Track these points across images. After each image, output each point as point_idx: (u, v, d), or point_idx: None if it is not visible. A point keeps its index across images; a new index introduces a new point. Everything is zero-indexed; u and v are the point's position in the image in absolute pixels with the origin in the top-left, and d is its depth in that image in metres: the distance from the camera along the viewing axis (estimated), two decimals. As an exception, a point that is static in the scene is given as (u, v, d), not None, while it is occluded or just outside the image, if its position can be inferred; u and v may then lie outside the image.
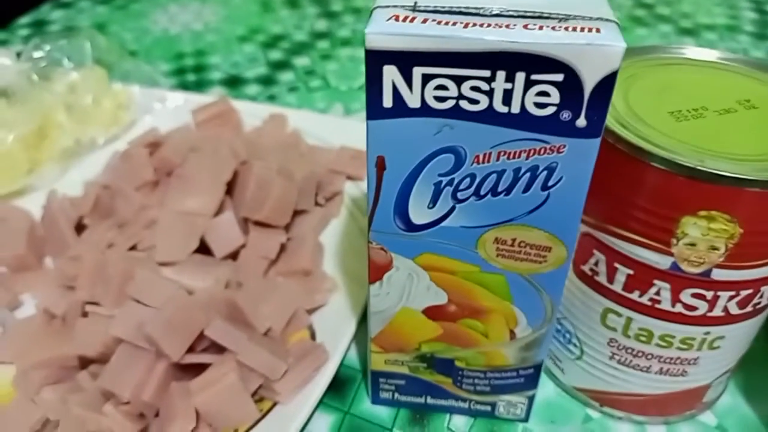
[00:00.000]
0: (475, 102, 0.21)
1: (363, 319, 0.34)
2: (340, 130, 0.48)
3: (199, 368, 0.30)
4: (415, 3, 0.21)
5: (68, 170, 0.47)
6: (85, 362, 0.31)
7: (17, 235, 0.38)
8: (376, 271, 0.26)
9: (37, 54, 0.48)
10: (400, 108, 0.21)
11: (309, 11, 0.70)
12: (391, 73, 0.20)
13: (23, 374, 0.31)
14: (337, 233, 0.40)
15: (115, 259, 0.32)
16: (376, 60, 0.20)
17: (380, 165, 0.23)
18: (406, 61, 0.20)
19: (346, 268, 0.38)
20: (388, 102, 0.21)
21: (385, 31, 0.20)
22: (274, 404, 0.30)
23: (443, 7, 0.21)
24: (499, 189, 0.23)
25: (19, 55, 0.48)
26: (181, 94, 0.52)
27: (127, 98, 0.50)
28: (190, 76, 0.59)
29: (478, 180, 0.23)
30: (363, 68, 0.62)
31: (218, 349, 0.30)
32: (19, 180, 0.44)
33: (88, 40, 0.49)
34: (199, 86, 0.57)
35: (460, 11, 0.20)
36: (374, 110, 0.21)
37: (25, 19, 0.68)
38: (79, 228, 0.39)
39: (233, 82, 0.58)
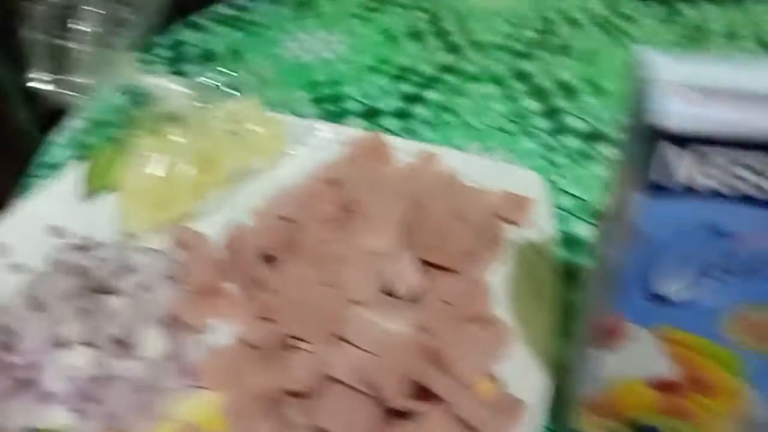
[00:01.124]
0: (761, 189, 0.21)
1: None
2: (491, 172, 0.48)
3: (401, 415, 0.31)
4: (692, 80, 0.22)
5: (231, 197, 0.49)
6: (290, 396, 0.33)
7: (204, 261, 0.40)
8: (609, 338, 0.27)
9: (201, 80, 0.50)
10: (678, 189, 0.22)
11: (432, 44, 0.72)
12: (677, 154, 0.21)
13: (235, 404, 0.32)
14: (502, 279, 0.41)
15: (320, 296, 0.33)
16: (667, 140, 0.21)
17: (638, 237, 0.23)
18: (700, 144, 0.21)
19: (519, 316, 0.38)
20: (668, 181, 0.21)
21: (682, 113, 0.20)
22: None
23: (728, 87, 0.21)
24: (763, 271, 0.23)
25: (188, 81, 0.50)
26: (329, 125, 0.53)
27: (280, 127, 0.53)
28: (328, 105, 0.60)
29: (742, 260, 0.23)
30: (496, 106, 0.65)
31: (422, 396, 0.31)
32: (188, 204, 0.47)
33: (246, 68, 0.52)
34: (338, 116, 0.59)
35: (751, 95, 0.21)
36: (650, 188, 0.22)
37: (163, 41, 0.71)
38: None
39: (370, 114, 0.60)
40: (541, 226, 0.43)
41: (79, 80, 0.46)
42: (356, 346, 0.32)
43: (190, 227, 0.44)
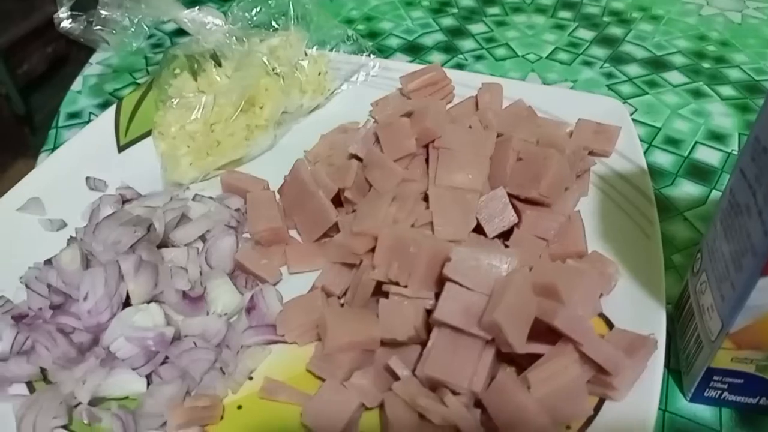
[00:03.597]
0: None
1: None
2: (567, 102, 0.44)
3: (518, 358, 0.28)
4: None
5: (279, 138, 0.45)
6: (387, 345, 0.29)
7: (269, 207, 0.36)
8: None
9: (244, 14, 0.45)
10: None
11: (467, -25, 0.67)
12: None
13: (325, 358, 0.29)
14: (592, 212, 0.37)
15: (418, 238, 0.29)
16: None
17: None
18: None
19: (622, 251, 0.35)
20: None
21: None
22: (602, 400, 0.28)
23: None
24: None
25: (226, 14, 0.45)
26: (379, 60, 0.49)
27: (326, 64, 0.48)
28: (366, 41, 0.56)
29: None
30: (546, 36, 0.59)
31: (548, 338, 0.28)
32: (236, 148, 0.42)
33: (293, 1, 0.47)
34: (379, 53, 0.54)
35: None
36: None
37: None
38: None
39: (413, 49, 0.55)
40: (630, 156, 0.39)
41: (113, 16, 0.41)
42: (465, 287, 0.28)
43: (242, 172, 0.40)
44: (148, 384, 0.29)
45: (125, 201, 0.38)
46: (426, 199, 0.35)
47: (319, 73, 0.47)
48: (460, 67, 0.53)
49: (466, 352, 0.27)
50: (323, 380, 0.29)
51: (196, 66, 0.45)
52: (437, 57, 0.54)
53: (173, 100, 0.43)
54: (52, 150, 0.45)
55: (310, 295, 0.32)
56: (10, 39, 1.75)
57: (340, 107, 0.47)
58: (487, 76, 0.47)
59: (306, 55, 0.47)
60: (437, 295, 0.29)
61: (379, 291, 0.31)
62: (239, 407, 0.29)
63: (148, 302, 0.30)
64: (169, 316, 0.30)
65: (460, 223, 0.33)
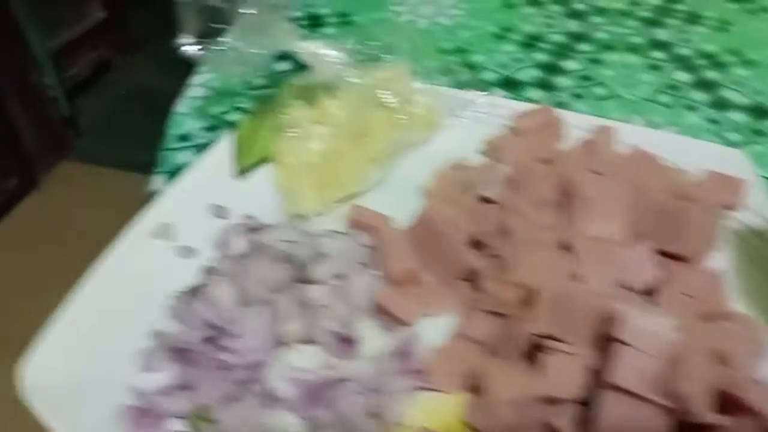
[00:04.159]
0: None
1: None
2: (687, 150, 0.44)
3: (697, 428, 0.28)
4: None
5: (391, 173, 0.45)
6: (548, 403, 0.29)
7: (404, 247, 0.36)
8: None
9: (358, 47, 0.46)
10: None
11: (552, 9, 0.67)
12: None
13: (488, 411, 0.29)
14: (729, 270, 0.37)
15: (582, 293, 0.29)
16: None
17: None
18: None
19: (760, 307, 0.34)
20: None
21: None
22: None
23: None
24: None
25: (341, 46, 0.46)
26: (488, 96, 0.49)
27: (435, 98, 0.48)
28: (460, 75, 0.56)
29: None
30: (642, 76, 0.59)
31: (727, 408, 0.27)
32: (354, 181, 0.43)
33: (401, 34, 0.47)
34: (474, 86, 0.54)
35: None
36: None
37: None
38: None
39: (510, 85, 0.55)
40: (756, 208, 0.39)
41: (233, 44, 0.41)
42: (637, 349, 0.28)
43: (367, 207, 0.40)
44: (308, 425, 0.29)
45: (251, 230, 0.39)
46: (564, 248, 0.35)
47: (429, 108, 0.47)
48: (560, 105, 0.52)
49: (641, 418, 0.27)
50: (480, 432, 0.30)
51: (311, 96, 0.45)
52: (535, 93, 0.54)
53: (292, 130, 0.43)
54: (167, 172, 0.45)
55: (459, 343, 0.32)
56: (59, 43, 1.79)
57: (447, 143, 0.47)
58: (598, 119, 0.47)
59: (415, 88, 0.48)
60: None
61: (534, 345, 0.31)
62: (395, 456, 0.29)
63: (304, 342, 0.31)
64: (327, 358, 0.30)
65: (608, 276, 0.33)
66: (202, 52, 0.42)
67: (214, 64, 0.42)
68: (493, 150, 0.44)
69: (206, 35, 0.42)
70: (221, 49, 0.42)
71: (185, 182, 0.40)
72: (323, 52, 0.44)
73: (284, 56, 0.46)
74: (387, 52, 0.47)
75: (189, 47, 0.42)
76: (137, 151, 1.99)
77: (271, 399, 0.29)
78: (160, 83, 2.30)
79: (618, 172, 0.38)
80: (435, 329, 0.34)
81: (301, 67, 0.46)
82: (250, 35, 0.41)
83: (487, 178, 0.38)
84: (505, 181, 0.37)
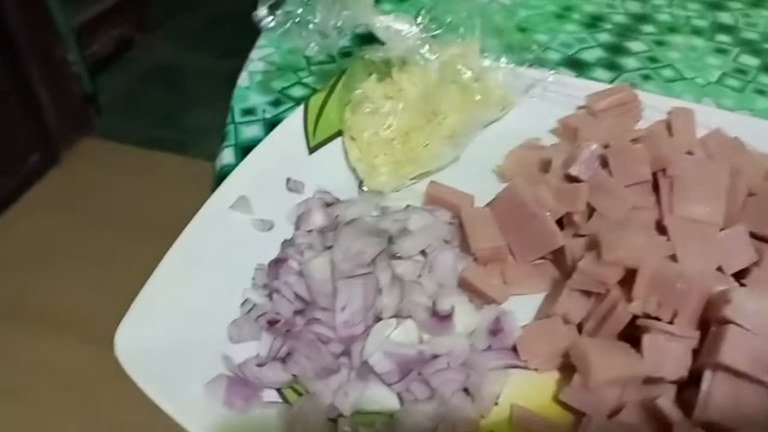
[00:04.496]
0: None
1: None
2: (755, 131, 0.43)
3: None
4: None
5: (465, 150, 0.44)
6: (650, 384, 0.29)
7: (489, 225, 0.35)
8: None
9: (433, 22, 0.45)
10: None
11: (612, -11, 0.65)
12: None
13: (588, 392, 0.28)
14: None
15: (686, 273, 0.29)
16: None
17: None
18: None
19: None
20: None
21: None
22: None
23: None
24: None
25: (416, 21, 0.45)
26: (561, 76, 0.48)
27: (505, 76, 0.47)
28: (523, 54, 0.55)
29: None
30: (709, 60, 0.57)
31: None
32: (435, 159, 0.42)
33: (474, 9, 0.46)
34: (540, 64, 0.53)
35: None
36: None
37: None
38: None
39: (575, 65, 0.54)
40: None
41: (311, 18, 0.40)
42: (748, 330, 0.27)
43: (446, 185, 0.39)
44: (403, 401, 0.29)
45: (328, 205, 0.38)
46: (658, 228, 0.34)
47: (502, 86, 0.46)
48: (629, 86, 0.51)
49: (751, 399, 0.26)
50: (576, 413, 0.29)
51: (384, 72, 0.44)
52: (602, 74, 0.53)
53: (367, 105, 0.42)
54: (235, 146, 0.45)
55: (552, 322, 0.31)
56: (81, 20, 1.78)
57: (518, 122, 0.46)
58: (674, 99, 0.46)
59: (487, 65, 0.47)
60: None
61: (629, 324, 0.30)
62: (491, 433, 0.29)
63: (397, 316, 0.30)
64: (422, 333, 0.30)
65: (705, 257, 0.32)
66: (278, 25, 0.41)
67: (290, 38, 0.41)
68: (568, 130, 0.43)
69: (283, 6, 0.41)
70: (298, 22, 0.41)
71: (259, 156, 0.40)
72: (397, 27, 0.43)
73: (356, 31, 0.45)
74: (459, 28, 0.46)
75: (266, 19, 0.41)
76: (158, 128, 2.00)
77: (366, 372, 0.29)
78: (180, 60, 2.31)
79: (711, 155, 0.37)
80: (523, 307, 0.33)
81: (368, 41, 0.45)
82: (329, 8, 0.40)
83: (574, 157, 0.37)
84: (594, 160, 0.36)
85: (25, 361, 1.23)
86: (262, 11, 0.41)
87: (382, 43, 0.44)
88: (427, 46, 0.44)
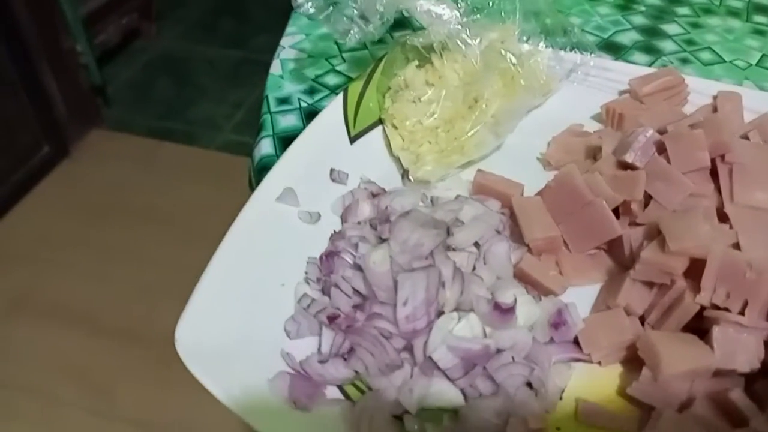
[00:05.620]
0: None
1: None
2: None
3: None
4: None
5: (504, 139, 0.43)
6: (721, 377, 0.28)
7: (542, 214, 0.35)
8: None
9: (474, 6, 0.44)
10: None
11: (643, -29, 0.64)
12: None
13: (658, 385, 0.28)
14: None
15: (757, 263, 0.28)
16: None
17: None
18: None
19: None
20: None
21: None
22: None
23: None
24: None
25: (457, 4, 0.43)
26: (598, 59, 0.47)
27: (546, 60, 0.46)
28: (557, 38, 0.53)
29: None
30: (748, 42, 0.55)
31: None
32: (481, 147, 0.41)
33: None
34: (579, 47, 0.52)
35: None
36: None
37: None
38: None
39: (612, 48, 0.53)
40: None
41: (352, 3, 0.39)
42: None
43: (494, 174, 0.38)
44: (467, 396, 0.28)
45: (374, 195, 0.37)
46: (719, 216, 0.33)
47: (544, 70, 0.45)
48: (666, 70, 0.50)
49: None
50: (643, 407, 0.28)
51: (422, 57, 0.43)
52: (639, 57, 0.52)
53: (408, 92, 0.42)
54: (272, 136, 0.44)
55: (614, 314, 0.31)
56: (88, 9, 1.76)
57: (560, 107, 0.45)
58: (719, 83, 0.45)
59: (527, 50, 0.45)
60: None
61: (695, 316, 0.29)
62: (557, 429, 0.28)
63: (458, 310, 0.29)
64: (485, 327, 0.29)
65: (764, 246, 0.31)
66: (321, 12, 0.40)
67: (330, 25, 0.40)
68: (613, 116, 0.42)
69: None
70: (338, 8, 0.40)
71: (301, 147, 0.39)
72: (438, 11, 0.42)
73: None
74: (500, 11, 0.45)
75: (306, 5, 0.40)
76: (165, 118, 1.99)
77: (430, 368, 0.28)
78: (185, 50, 2.29)
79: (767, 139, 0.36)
80: (579, 298, 0.33)
81: (402, 27, 0.44)
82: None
83: (627, 144, 0.36)
84: (650, 146, 0.35)
85: (35, 355, 1.23)
86: (302, -2, 0.41)
87: (421, 29, 0.44)
88: (467, 31, 0.43)
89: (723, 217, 0.33)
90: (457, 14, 0.42)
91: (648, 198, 0.34)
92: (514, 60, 0.43)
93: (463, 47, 0.43)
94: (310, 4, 0.40)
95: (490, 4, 0.43)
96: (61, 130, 1.67)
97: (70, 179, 1.65)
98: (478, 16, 0.44)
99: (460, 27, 0.42)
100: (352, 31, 0.40)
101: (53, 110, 1.63)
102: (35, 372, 1.20)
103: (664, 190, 0.34)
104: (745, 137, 0.36)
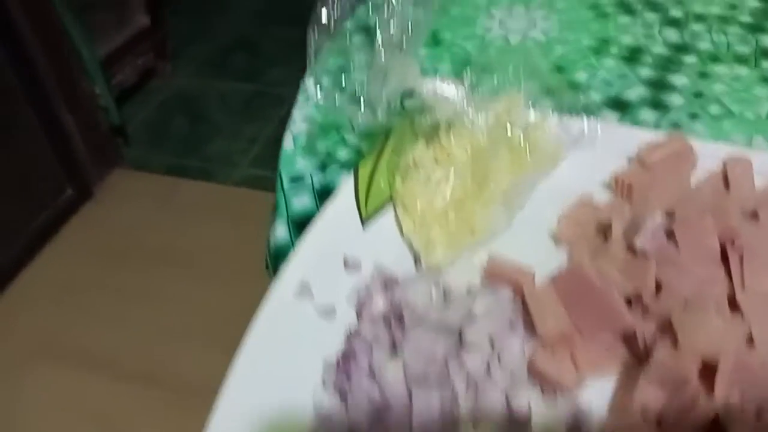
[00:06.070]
0: None
1: None
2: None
3: None
4: None
5: (514, 215, 0.44)
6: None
7: (555, 305, 0.35)
8: None
9: (480, 82, 0.44)
10: None
11: (648, 17, 0.64)
12: None
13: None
14: None
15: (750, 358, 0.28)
16: None
17: None
18: None
19: None
20: None
21: None
22: None
23: None
24: None
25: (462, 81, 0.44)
26: (611, 125, 0.47)
27: (553, 128, 0.46)
28: (578, 100, 0.53)
29: None
30: (757, 91, 0.54)
31: None
32: (482, 229, 0.41)
33: (522, 58, 0.46)
34: (584, 110, 0.52)
35: None
36: None
37: (350, 24, 0.65)
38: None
39: (619, 105, 0.53)
40: None
41: (359, 88, 0.40)
42: None
43: (505, 258, 0.39)
44: None
45: (387, 285, 0.38)
46: (731, 305, 0.33)
47: (551, 139, 0.45)
48: (675, 126, 0.50)
49: None
50: None
51: (433, 137, 0.44)
52: (647, 115, 0.52)
53: (419, 171, 0.42)
54: (287, 219, 0.45)
55: (628, 414, 0.31)
56: (106, 51, 1.81)
57: (569, 176, 0.45)
58: (728, 146, 0.45)
59: (533, 118, 0.46)
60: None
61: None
62: None
63: (473, 420, 0.30)
64: (501, 438, 0.29)
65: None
66: (330, 98, 0.41)
67: (338, 106, 0.41)
68: (622, 187, 0.43)
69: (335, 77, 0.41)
70: (345, 96, 0.41)
71: (315, 236, 0.40)
72: (443, 90, 0.43)
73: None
74: (503, 81, 0.45)
75: (315, 91, 0.41)
76: (183, 156, 2.02)
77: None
78: (199, 86, 2.33)
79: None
80: (595, 394, 0.33)
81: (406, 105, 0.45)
82: (377, 78, 0.40)
83: (637, 226, 0.36)
84: (659, 231, 0.35)
85: (57, 400, 1.26)
86: (309, 84, 0.42)
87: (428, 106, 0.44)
88: (473, 107, 0.44)
89: (735, 305, 0.33)
90: (462, 92, 0.43)
91: (659, 283, 0.35)
92: (519, 132, 0.44)
93: (469, 124, 0.43)
94: (317, 91, 0.41)
95: (495, 79, 0.44)
96: (83, 172, 1.71)
97: (93, 221, 1.69)
98: (483, 91, 0.44)
99: (465, 104, 0.43)
100: (359, 117, 0.41)
101: (75, 153, 1.67)
102: (57, 417, 1.23)
103: (676, 278, 0.34)
104: (755, 214, 0.36)
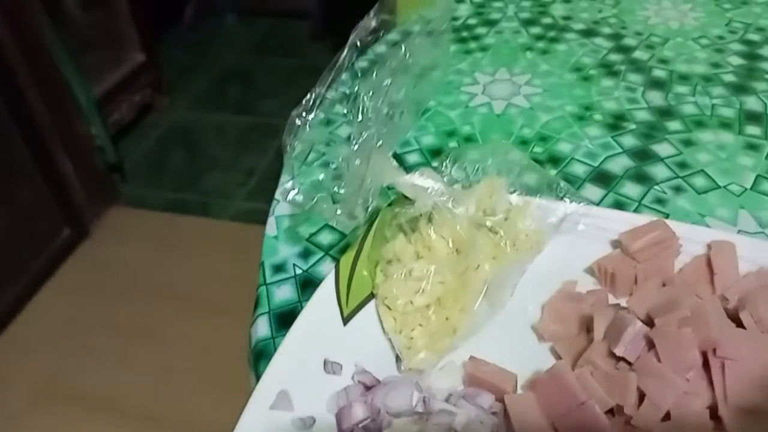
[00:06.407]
0: None
1: None
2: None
3: None
4: None
5: (496, 308, 0.43)
6: None
7: (536, 416, 0.35)
8: None
9: (459, 174, 0.44)
10: None
11: (632, 79, 0.64)
12: None
13: None
14: None
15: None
16: None
17: None
18: None
19: None
20: None
21: None
22: None
23: None
24: None
25: (441, 174, 0.44)
26: (585, 207, 0.47)
27: (534, 214, 0.46)
28: (572, 188, 0.52)
29: None
30: (742, 160, 0.54)
31: None
32: (463, 327, 0.41)
33: (494, 149, 0.46)
34: (566, 189, 0.52)
35: None
36: None
37: (336, 96, 0.65)
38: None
39: (602, 179, 0.53)
40: None
41: (337, 190, 0.40)
42: None
43: (487, 362, 0.39)
44: None
45: (367, 390, 0.38)
46: (713, 417, 0.33)
47: (532, 226, 0.45)
48: (660, 201, 0.50)
49: None
50: None
51: (412, 230, 0.44)
52: (630, 188, 0.52)
53: (395, 268, 0.42)
54: (269, 313, 0.45)
55: None
56: (103, 90, 1.82)
57: (551, 262, 0.45)
58: (712, 230, 0.45)
59: (513, 205, 0.46)
60: None
61: None
62: None
63: None
64: None
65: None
66: (307, 200, 0.41)
67: (316, 212, 0.41)
68: (604, 274, 0.42)
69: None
70: (324, 198, 0.41)
71: (295, 339, 0.39)
72: (423, 184, 0.43)
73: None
74: (483, 172, 0.45)
75: (292, 193, 0.41)
76: (181, 191, 2.03)
77: None
78: (196, 120, 2.35)
79: (760, 320, 0.35)
80: None
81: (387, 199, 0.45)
82: (355, 178, 0.40)
83: (618, 332, 0.36)
84: (639, 340, 0.35)
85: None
86: (287, 184, 0.42)
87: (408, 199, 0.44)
88: (453, 200, 0.44)
89: (719, 418, 0.33)
90: (442, 185, 0.43)
91: (642, 393, 0.34)
92: (498, 221, 0.44)
93: (449, 215, 0.43)
94: (296, 193, 0.41)
95: (474, 170, 0.44)
96: (79, 212, 1.71)
97: (90, 260, 1.69)
98: (463, 183, 0.44)
99: (444, 196, 0.43)
100: (338, 218, 0.41)
101: (71, 194, 1.67)
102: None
103: (657, 389, 0.33)
104: (736, 317, 0.36)
